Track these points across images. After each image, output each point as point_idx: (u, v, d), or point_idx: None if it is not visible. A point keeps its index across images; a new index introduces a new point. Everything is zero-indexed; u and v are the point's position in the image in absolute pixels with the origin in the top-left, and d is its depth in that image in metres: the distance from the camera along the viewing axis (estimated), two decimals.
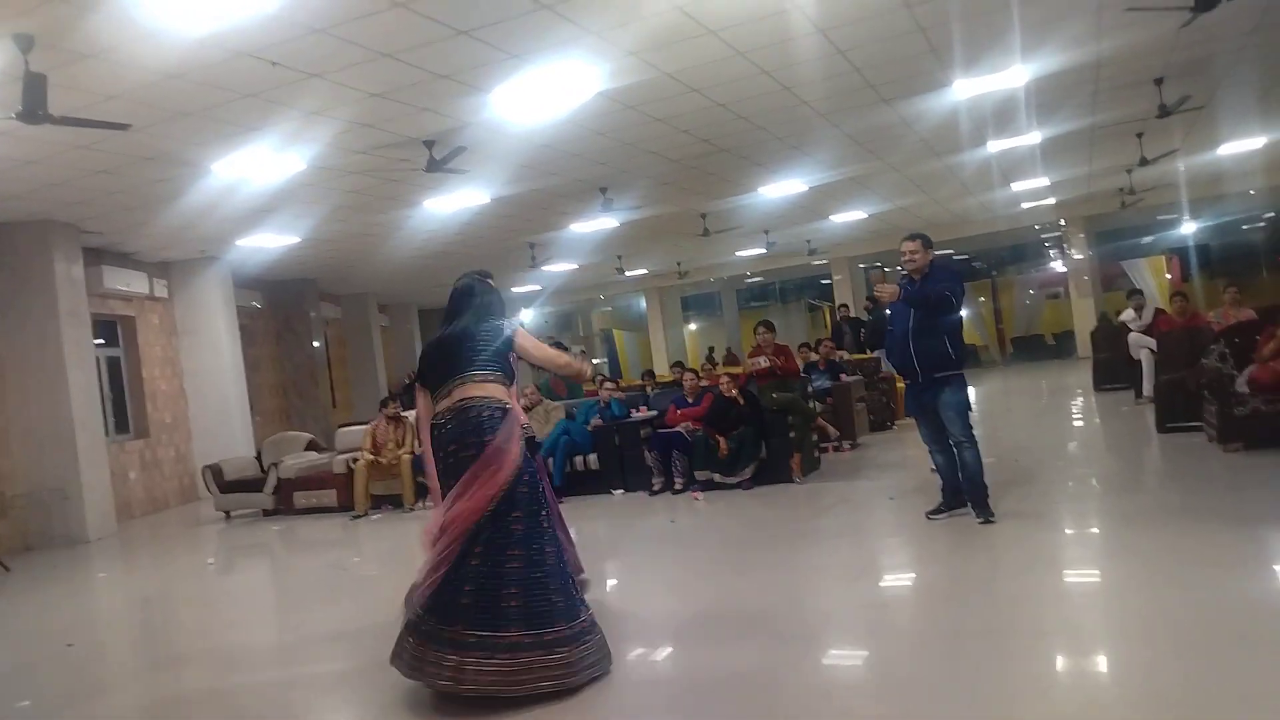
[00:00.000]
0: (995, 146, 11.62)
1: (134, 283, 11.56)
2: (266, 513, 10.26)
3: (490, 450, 3.68)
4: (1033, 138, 11.32)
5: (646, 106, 8.15)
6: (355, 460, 9.69)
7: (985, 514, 5.59)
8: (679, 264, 20.98)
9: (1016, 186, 15.18)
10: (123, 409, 11.99)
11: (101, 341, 11.31)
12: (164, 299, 12.51)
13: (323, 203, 10.27)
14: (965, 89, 8.67)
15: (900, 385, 11.41)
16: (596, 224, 13.45)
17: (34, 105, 5.53)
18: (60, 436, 9.55)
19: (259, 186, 9.04)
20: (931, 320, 5.56)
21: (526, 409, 9.54)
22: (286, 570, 8.18)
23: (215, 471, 10.50)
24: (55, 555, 9.05)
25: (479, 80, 6.94)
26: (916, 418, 5.97)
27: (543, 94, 7.31)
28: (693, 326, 28.93)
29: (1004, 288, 25.10)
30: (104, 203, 9.12)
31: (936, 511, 5.87)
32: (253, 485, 10.34)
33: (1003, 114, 9.88)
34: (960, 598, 4.44)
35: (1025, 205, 17.66)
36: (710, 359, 19.08)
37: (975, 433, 5.72)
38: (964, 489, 5.74)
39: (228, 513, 10.47)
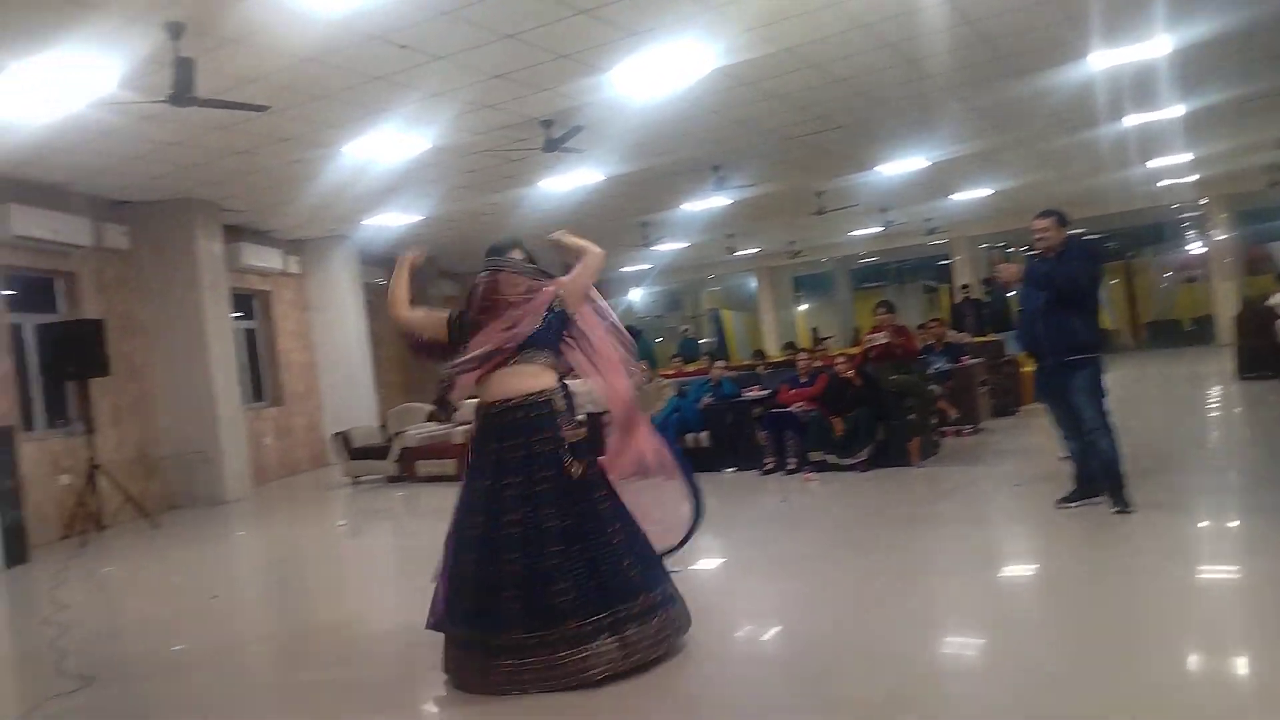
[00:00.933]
0: (1133, 120, 11.00)
1: (269, 259, 12.17)
2: (391, 479, 10.69)
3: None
4: (1175, 111, 10.67)
5: (763, 83, 8.04)
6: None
7: (1121, 504, 5.35)
8: (791, 243, 20.68)
9: (1154, 163, 14.34)
10: (259, 378, 12.68)
11: (239, 315, 11.95)
12: (297, 275, 13.13)
13: (443, 183, 10.56)
14: (1103, 60, 8.23)
15: (1025, 369, 11.04)
16: (708, 203, 13.40)
17: (183, 89, 5.86)
18: (202, 403, 10.16)
19: (385, 167, 9.36)
20: (1063, 301, 5.33)
21: (637, 385, 9.62)
22: (409, 534, 8.51)
23: (344, 439, 11.00)
24: (197, 514, 9.66)
25: (598, 59, 6.98)
26: (1046, 402, 5.74)
27: (660, 71, 7.31)
28: (804, 307, 28.51)
29: (1138, 270, 23.81)
30: (242, 182, 9.61)
31: (1067, 500, 5.64)
32: (378, 453, 10.79)
33: (1143, 86, 9.33)
34: (1092, 589, 4.27)
35: (1163, 183, 16.67)
36: (818, 338, 18.64)
37: (1111, 419, 5.47)
38: (1098, 477, 5.50)
39: (355, 478, 10.95)
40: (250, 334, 12.60)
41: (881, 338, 9.01)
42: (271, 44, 6.02)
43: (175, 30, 5.58)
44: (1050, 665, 3.33)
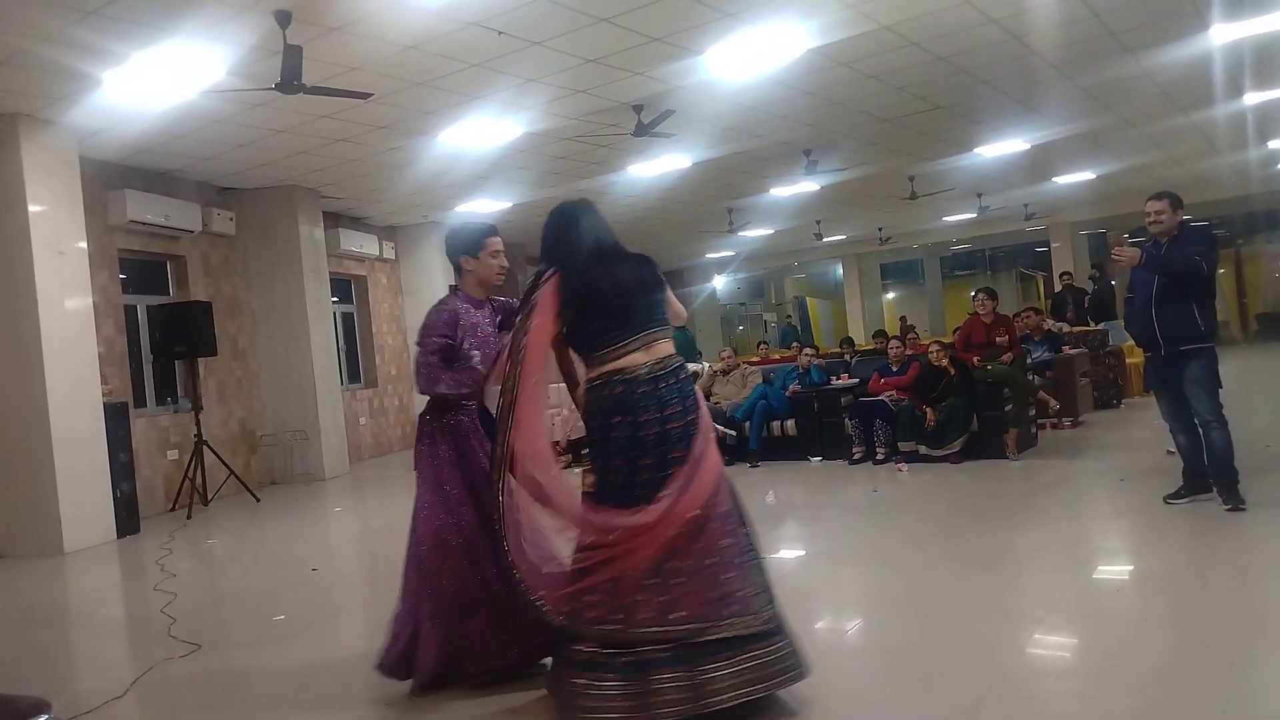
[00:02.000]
0: (1254, 99, 10.42)
1: (366, 245, 12.51)
2: None
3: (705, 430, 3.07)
4: None
5: (860, 63, 7.87)
6: (557, 416, 10.08)
7: (1234, 500, 5.09)
8: (880, 229, 20.26)
9: (1276, 144, 13.57)
10: (355, 360, 13.06)
11: (337, 299, 12.30)
12: (391, 260, 13.47)
13: (533, 169, 10.66)
14: (1224, 34, 7.80)
15: (1130, 360, 10.60)
16: (797, 188, 13.22)
17: (290, 76, 6.03)
18: (302, 384, 10.51)
19: (478, 154, 9.51)
20: (1178, 288, 5.08)
21: (724, 371, 9.60)
22: None
23: None
24: (296, 490, 10.01)
25: (691, 41, 6.93)
26: (1157, 393, 5.49)
27: (753, 53, 7.22)
28: (891, 295, 27.96)
29: (1249, 258, 22.63)
30: (342, 169, 9.87)
31: (1176, 496, 5.40)
32: None
33: (1267, 61, 8.82)
34: (1201, 589, 4.08)
35: None
36: (905, 327, 18.06)
37: (1224, 412, 5.21)
38: (1210, 472, 5.25)
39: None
40: (347, 317, 12.97)
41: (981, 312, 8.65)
42: (374, 32, 6.15)
43: (283, 19, 5.74)
44: (1155, 668, 3.19)
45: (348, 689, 3.69)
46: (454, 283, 3.77)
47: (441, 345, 3.49)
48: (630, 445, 2.99)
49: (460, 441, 3.52)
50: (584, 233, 3.23)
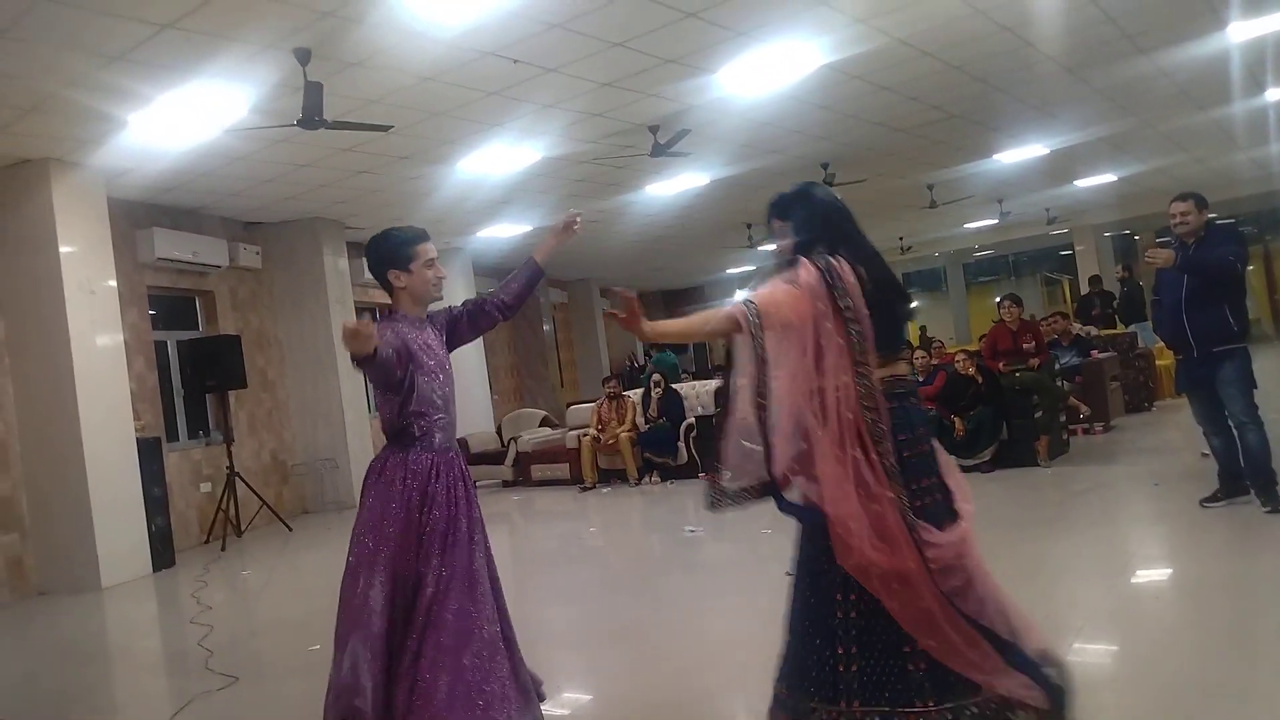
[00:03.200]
0: (1276, 95, 10.31)
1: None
2: (506, 483, 10.93)
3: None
4: None
5: (874, 75, 7.88)
6: (584, 436, 10.12)
7: (1273, 502, 5.02)
8: (900, 238, 20.17)
9: None
10: None
11: None
12: None
13: (552, 192, 10.73)
14: (1242, 31, 7.74)
15: (1160, 363, 10.48)
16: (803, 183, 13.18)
17: (312, 112, 6.13)
18: (331, 412, 10.60)
19: (498, 180, 9.60)
20: (1209, 288, 5.03)
21: None
22: (525, 536, 8.67)
23: (462, 444, 11.26)
24: (327, 518, 10.07)
25: (705, 61, 6.98)
26: (1190, 396, 5.44)
27: (767, 70, 7.25)
28: (914, 304, 27.80)
29: (1278, 255, 22.31)
30: (365, 200, 9.99)
31: (1212, 499, 5.33)
32: (494, 458, 11.04)
33: None
34: (1242, 593, 4.02)
35: None
36: (925, 339, 17.77)
37: (1260, 413, 5.14)
38: (1246, 474, 5.18)
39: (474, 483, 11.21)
40: None
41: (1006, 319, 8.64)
42: (392, 65, 6.24)
43: (303, 56, 5.84)
44: (1197, 675, 3.14)
45: None
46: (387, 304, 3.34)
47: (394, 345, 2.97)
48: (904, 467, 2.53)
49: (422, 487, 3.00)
50: (857, 226, 2.80)
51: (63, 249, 7.34)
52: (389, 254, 3.26)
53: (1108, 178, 14.92)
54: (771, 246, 2.90)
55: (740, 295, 2.68)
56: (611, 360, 19.45)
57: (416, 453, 3.02)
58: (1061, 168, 13.45)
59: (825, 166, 11.00)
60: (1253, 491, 5.17)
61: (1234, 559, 4.60)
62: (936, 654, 2.43)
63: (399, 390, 3.01)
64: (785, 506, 2.59)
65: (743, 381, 2.55)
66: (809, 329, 2.49)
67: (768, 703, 2.69)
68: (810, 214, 2.78)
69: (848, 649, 2.48)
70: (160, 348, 9.41)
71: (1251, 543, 4.74)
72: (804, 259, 2.62)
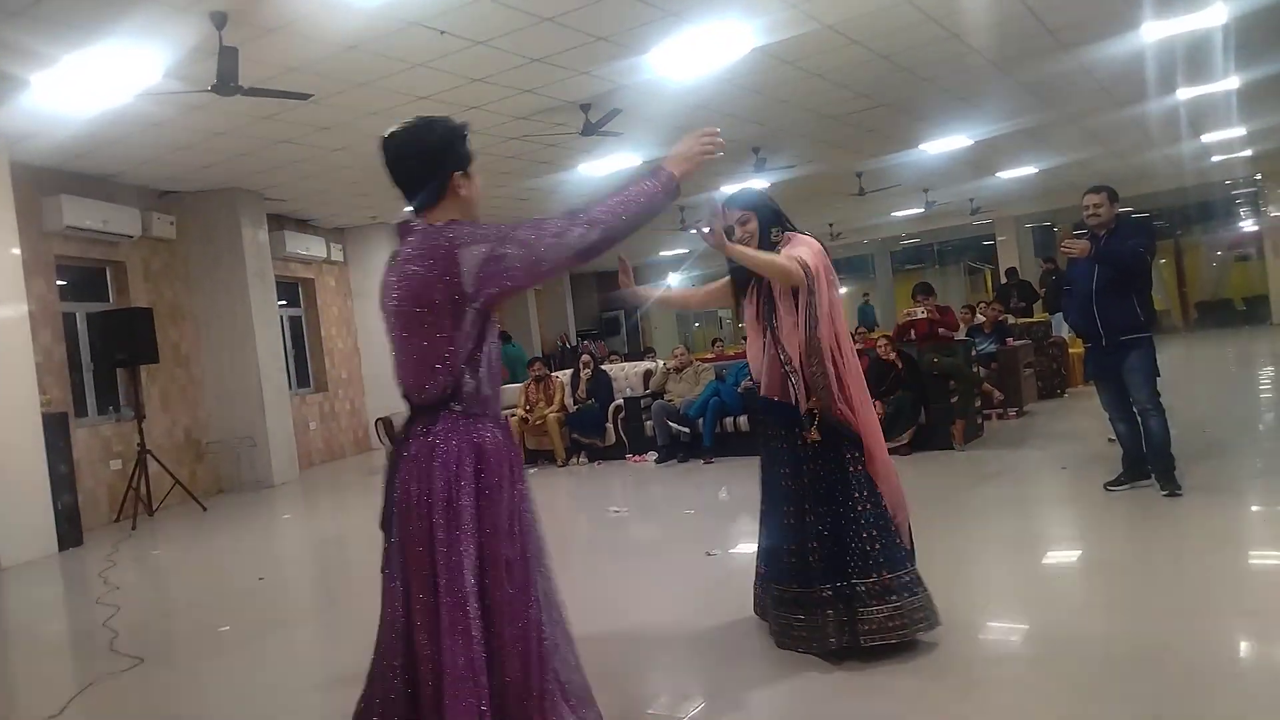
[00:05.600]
0: (1186, 94, 10.70)
1: (313, 247, 12.32)
2: None
3: None
4: (1229, 83, 10.36)
5: (804, 61, 7.94)
6: (512, 417, 10.05)
7: (1171, 486, 5.23)
8: (830, 225, 20.47)
9: (1207, 138, 13.95)
10: (304, 364, 12.86)
11: (284, 302, 12.10)
12: (339, 263, 13.30)
13: (482, 169, 10.51)
14: (1155, 31, 8.00)
15: (1073, 350, 10.83)
16: (747, 185, 13.27)
17: (227, 77, 5.92)
18: (249, 389, 10.32)
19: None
20: (1119, 279, 5.20)
21: (677, 369, 9.63)
22: None
23: (387, 424, 11.04)
24: (244, 497, 9.84)
25: (636, 41, 6.94)
26: (1097, 383, 5.63)
27: (698, 52, 7.24)
28: (844, 290, 28.24)
29: (1188, 248, 23.21)
30: (286, 171, 9.71)
31: (1116, 483, 5.53)
32: None
33: (1196, 57, 9.06)
34: (1142, 574, 4.18)
35: (1216, 158, 16.23)
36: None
37: (1162, 400, 5.35)
38: (1148, 459, 5.39)
39: None
40: (295, 321, 12.77)
41: (920, 312, 8.92)
42: (313, 32, 6.06)
43: (219, 20, 5.63)
44: (1098, 651, 3.27)
45: (292, 700, 3.63)
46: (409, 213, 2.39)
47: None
48: None
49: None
50: None
51: None
52: (455, 146, 2.38)
53: (1029, 170, 15.34)
54: (707, 229, 3.26)
55: (789, 253, 3.46)
56: (543, 341, 19.34)
57: None
58: (985, 159, 13.78)
59: (756, 151, 11.08)
60: (1153, 476, 5.38)
61: (1135, 540, 4.79)
62: (905, 523, 3.54)
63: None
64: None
65: (791, 322, 3.44)
66: (826, 285, 3.43)
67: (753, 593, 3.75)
68: (774, 207, 3.67)
69: (812, 544, 3.39)
70: (69, 320, 9.04)
71: (1151, 524, 4.94)
72: (798, 233, 3.61)
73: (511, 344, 14.28)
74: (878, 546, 3.36)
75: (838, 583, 3.34)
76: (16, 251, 7.46)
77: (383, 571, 2.32)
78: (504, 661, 2.17)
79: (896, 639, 3.33)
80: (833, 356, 3.41)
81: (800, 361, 3.42)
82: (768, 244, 3.53)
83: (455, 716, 2.08)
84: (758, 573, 3.73)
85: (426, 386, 2.22)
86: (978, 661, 3.36)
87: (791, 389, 3.45)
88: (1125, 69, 9.20)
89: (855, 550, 3.35)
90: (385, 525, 2.32)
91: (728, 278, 3.77)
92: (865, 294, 24.76)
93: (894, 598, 3.33)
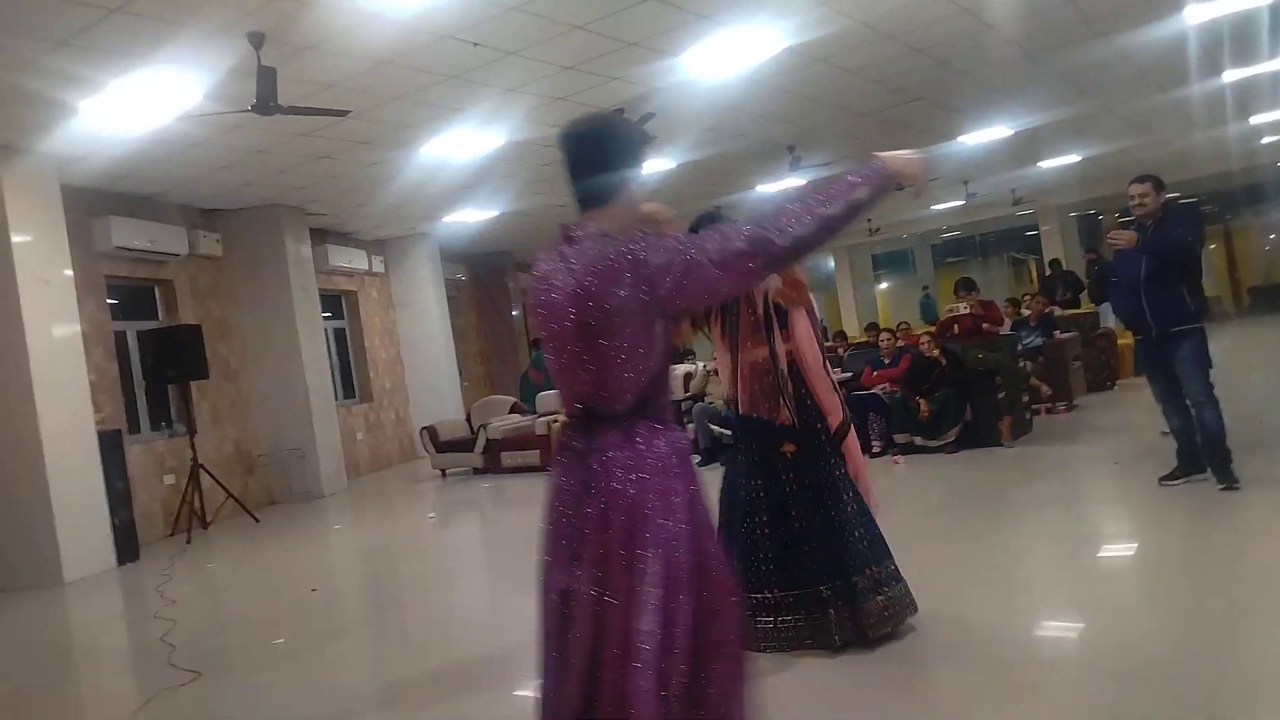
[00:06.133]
0: (1232, 76, 10.43)
1: (355, 260, 12.50)
2: (477, 470, 10.88)
3: None
4: (1278, 63, 10.08)
5: (837, 58, 7.87)
6: (554, 422, 10.09)
7: (1228, 479, 5.11)
8: (869, 220, 20.26)
9: (1256, 119, 13.59)
10: (349, 376, 13.04)
11: (328, 314, 12.28)
12: (381, 274, 13.46)
13: (518, 177, 10.64)
14: (1199, 13, 7.81)
15: (1122, 341, 10.63)
16: (783, 184, 13.22)
17: (266, 97, 6.01)
18: (296, 402, 10.48)
19: (461, 165, 9.49)
20: (1167, 269, 5.09)
21: (716, 371, 9.59)
22: (495, 524, 8.67)
23: (431, 432, 11.23)
24: (295, 508, 9.99)
25: (668, 45, 6.93)
26: (1148, 375, 5.51)
27: (730, 53, 7.22)
28: (884, 285, 27.97)
29: (1239, 233, 22.66)
30: (326, 186, 9.85)
31: (1170, 477, 5.41)
32: (464, 445, 10.99)
33: (1243, 38, 8.83)
34: (1199, 570, 4.09)
35: (1266, 140, 15.81)
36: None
37: (1215, 391, 5.22)
38: (1203, 453, 5.27)
39: (443, 470, 11.18)
40: (339, 333, 12.96)
41: (963, 308, 8.80)
42: (347, 48, 6.14)
43: (257, 40, 5.72)
44: (1154, 651, 3.20)
45: (347, 710, 3.68)
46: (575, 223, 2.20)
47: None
48: None
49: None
50: None
51: (14, 239, 7.17)
52: (640, 150, 2.24)
53: (1071, 158, 15.06)
54: None
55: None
56: None
57: None
58: (1025, 149, 13.55)
59: (791, 149, 11.01)
60: (1209, 469, 5.26)
61: (1191, 537, 4.68)
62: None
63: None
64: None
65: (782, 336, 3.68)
66: None
67: None
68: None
69: (766, 553, 3.61)
70: (120, 338, 9.25)
71: (1208, 520, 4.82)
72: None
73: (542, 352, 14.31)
74: (866, 542, 3.60)
75: (836, 581, 3.52)
76: (69, 272, 7.65)
77: (549, 589, 2.16)
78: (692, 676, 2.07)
79: (891, 628, 3.56)
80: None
81: (791, 372, 3.68)
82: None
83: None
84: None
85: (613, 398, 2.12)
86: (1032, 664, 3.31)
87: (784, 402, 3.64)
88: (1165, 53, 8.99)
89: (850, 548, 3.55)
90: (559, 542, 2.17)
91: None
92: (925, 287, 24.40)
93: (885, 589, 3.58)
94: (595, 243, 2.10)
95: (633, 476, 2.07)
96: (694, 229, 3.54)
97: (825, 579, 3.52)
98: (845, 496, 3.63)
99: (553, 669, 2.13)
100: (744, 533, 3.64)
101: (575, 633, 2.07)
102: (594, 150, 2.18)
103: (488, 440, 10.77)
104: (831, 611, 3.50)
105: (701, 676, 2.05)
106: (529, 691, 3.72)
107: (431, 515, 9.17)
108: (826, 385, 3.71)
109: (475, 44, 6.32)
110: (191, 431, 9.05)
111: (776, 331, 3.67)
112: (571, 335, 2.11)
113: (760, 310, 3.68)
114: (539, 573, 2.16)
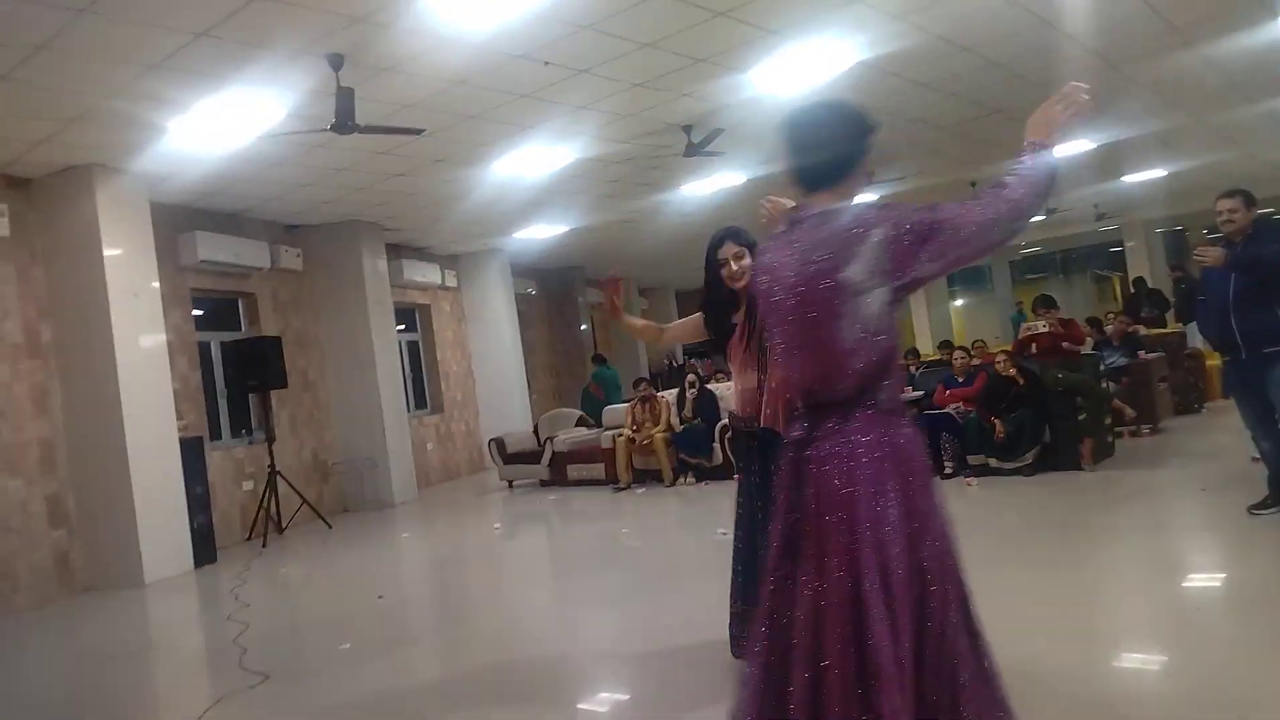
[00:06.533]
0: None
1: (428, 274, 12.75)
2: (543, 483, 10.96)
3: None
4: None
5: (912, 72, 7.75)
6: (619, 436, 10.11)
7: None
8: None
9: None
10: (421, 387, 13.29)
11: (402, 327, 12.54)
12: (453, 288, 13.70)
13: (588, 193, 10.74)
14: None
15: (1210, 363, 10.20)
16: (856, 199, 13.04)
17: (345, 117, 6.19)
18: (370, 412, 10.72)
19: (532, 180, 9.62)
20: (1258, 287, 4.86)
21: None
22: (560, 535, 8.69)
23: (499, 444, 11.36)
24: (366, 516, 10.19)
25: (737, 61, 6.92)
26: (1237, 398, 5.26)
27: (800, 68, 7.16)
28: (959, 303, 27.38)
29: None
30: (402, 203, 10.09)
31: (1262, 506, 5.15)
32: (531, 457, 11.08)
33: None
34: None
35: None
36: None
37: None
38: None
39: (510, 482, 11.29)
40: (413, 345, 13.22)
41: (1042, 325, 8.56)
42: (423, 69, 6.28)
43: (336, 62, 5.90)
44: (1241, 691, 3.03)
45: (408, 717, 3.72)
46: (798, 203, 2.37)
47: None
48: None
49: None
50: None
51: (107, 253, 7.50)
52: (870, 130, 2.28)
53: (1157, 173, 14.55)
54: None
55: None
56: (650, 360, 19.42)
57: None
58: (1109, 162, 13.13)
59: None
60: None
61: None
62: None
63: None
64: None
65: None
66: None
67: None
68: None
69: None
70: (204, 348, 9.58)
71: None
72: None
73: (606, 366, 14.37)
74: None
75: None
76: (156, 285, 7.96)
77: (778, 577, 2.15)
78: (933, 664, 2.03)
79: None
80: None
81: None
82: None
83: (885, 710, 1.94)
84: (736, 612, 3.62)
85: (843, 382, 2.09)
86: (1119, 700, 3.16)
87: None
88: (1259, 62, 8.62)
89: None
90: (791, 530, 2.15)
91: (700, 314, 3.82)
92: (1018, 302, 23.82)
93: None
94: (826, 221, 2.13)
95: (845, 467, 2.05)
96: (715, 245, 3.63)
97: None
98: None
99: (766, 659, 2.10)
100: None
101: (798, 622, 2.05)
102: (821, 132, 2.21)
103: (554, 453, 10.84)
104: None
105: (932, 659, 2.01)
106: (588, 704, 3.73)
107: (497, 526, 9.25)
108: None
109: (546, 63, 6.40)
110: (270, 439, 9.31)
111: None
112: (798, 319, 2.11)
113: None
114: (765, 565, 2.18)
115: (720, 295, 3.67)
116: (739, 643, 3.59)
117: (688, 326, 3.95)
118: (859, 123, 2.22)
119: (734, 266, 3.58)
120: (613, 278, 3.93)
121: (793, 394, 2.21)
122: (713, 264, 3.65)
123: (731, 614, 3.68)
